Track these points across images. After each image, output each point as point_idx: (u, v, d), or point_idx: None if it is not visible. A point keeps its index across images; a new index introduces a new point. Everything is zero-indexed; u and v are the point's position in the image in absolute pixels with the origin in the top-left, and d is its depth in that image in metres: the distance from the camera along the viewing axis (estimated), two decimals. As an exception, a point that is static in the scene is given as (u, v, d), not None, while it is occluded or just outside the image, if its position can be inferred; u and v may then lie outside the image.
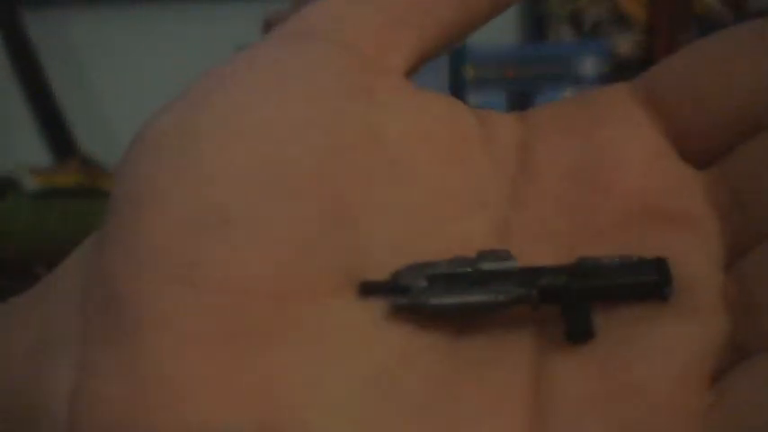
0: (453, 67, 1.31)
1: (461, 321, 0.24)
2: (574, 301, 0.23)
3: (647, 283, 0.23)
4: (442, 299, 0.23)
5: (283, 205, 0.22)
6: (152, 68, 1.30)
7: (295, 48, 0.24)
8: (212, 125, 0.22)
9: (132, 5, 1.35)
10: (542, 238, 0.25)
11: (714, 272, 0.24)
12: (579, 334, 0.23)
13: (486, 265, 0.23)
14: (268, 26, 1.03)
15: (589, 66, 1.34)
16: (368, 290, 0.23)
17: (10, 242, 1.20)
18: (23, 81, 1.32)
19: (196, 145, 0.21)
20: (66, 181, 1.28)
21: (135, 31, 1.35)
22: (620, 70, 1.34)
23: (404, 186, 0.24)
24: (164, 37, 1.33)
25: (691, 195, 0.25)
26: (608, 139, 0.26)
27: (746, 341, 0.23)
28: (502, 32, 1.41)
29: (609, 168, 0.25)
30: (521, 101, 1.33)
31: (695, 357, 0.23)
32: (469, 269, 0.23)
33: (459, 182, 0.25)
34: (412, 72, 0.26)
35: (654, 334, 0.23)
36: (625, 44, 1.39)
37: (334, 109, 0.23)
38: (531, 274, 0.23)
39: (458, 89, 1.32)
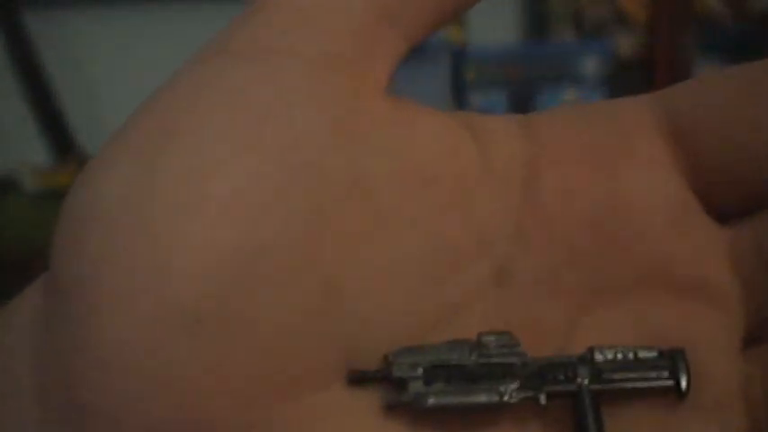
0: (454, 67, 1.29)
1: (461, 419, 0.21)
2: (585, 409, 0.21)
3: (663, 386, 0.21)
4: (440, 399, 0.21)
5: (260, 297, 0.19)
6: (152, 68, 1.27)
7: (261, 70, 0.20)
8: (169, 202, 0.19)
9: (132, 5, 1.32)
10: (548, 291, 0.22)
11: (735, 358, 0.22)
12: None
13: (488, 355, 0.21)
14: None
15: (590, 66, 1.31)
16: (358, 380, 0.21)
17: (10, 242, 1.18)
18: (23, 81, 1.30)
19: (152, 229, 0.19)
20: (66, 181, 1.26)
21: (135, 31, 1.32)
22: (621, 70, 1.32)
23: (395, 242, 0.21)
24: (164, 37, 1.30)
25: (713, 259, 0.22)
26: (631, 184, 0.22)
27: None
28: (503, 32, 1.38)
29: (630, 221, 0.22)
30: (522, 101, 1.31)
31: None
32: (469, 362, 0.21)
33: (457, 226, 0.22)
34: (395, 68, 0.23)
35: None
36: (626, 44, 1.37)
37: (316, 159, 0.20)
38: (538, 372, 0.21)
39: (459, 90, 1.30)
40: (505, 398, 0.21)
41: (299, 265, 0.20)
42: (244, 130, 0.20)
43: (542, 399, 0.21)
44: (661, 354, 0.21)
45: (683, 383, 0.21)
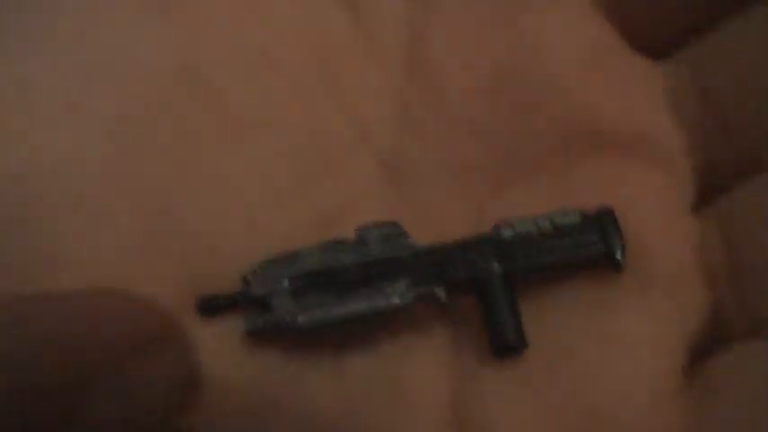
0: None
1: (345, 336, 0.16)
2: (496, 297, 0.16)
3: (592, 255, 0.16)
4: (313, 314, 0.16)
5: (61, 226, 0.15)
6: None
7: None
8: None
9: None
10: (447, 180, 0.18)
11: (685, 221, 0.17)
12: (506, 346, 0.16)
13: (370, 253, 0.16)
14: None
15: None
16: (209, 308, 0.16)
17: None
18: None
19: None
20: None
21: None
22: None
23: (251, 142, 0.17)
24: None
25: (648, 106, 0.18)
26: (537, 29, 0.18)
27: (729, 319, 0.17)
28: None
29: (540, 74, 0.18)
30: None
31: (663, 365, 0.16)
32: (346, 263, 0.16)
33: (331, 114, 0.17)
34: None
35: (605, 331, 0.16)
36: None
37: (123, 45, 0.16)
38: (432, 263, 0.16)
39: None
40: (394, 299, 0.16)
41: (112, 183, 0.15)
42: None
43: (441, 294, 0.16)
44: (585, 218, 0.17)
45: (617, 250, 0.16)
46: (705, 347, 0.17)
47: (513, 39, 0.18)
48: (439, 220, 0.17)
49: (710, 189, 0.18)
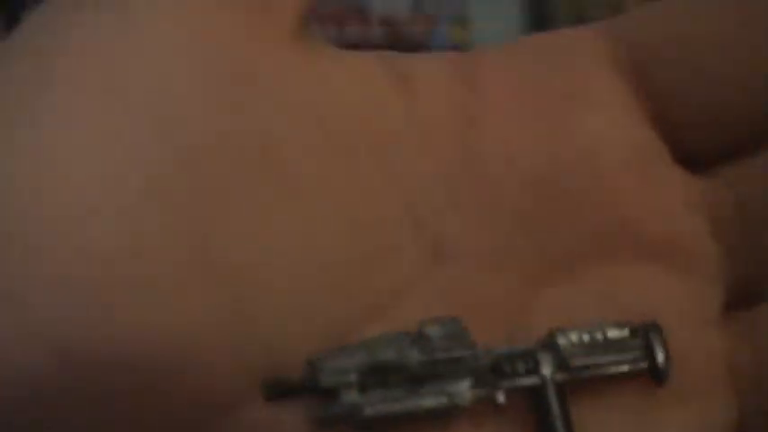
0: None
1: (406, 429, 0.17)
2: (551, 404, 0.17)
3: (639, 369, 0.18)
4: (379, 407, 0.17)
5: (140, 315, 0.15)
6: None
7: (115, 16, 0.16)
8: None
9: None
10: (494, 267, 0.18)
11: (714, 331, 0.18)
12: None
13: (433, 350, 0.17)
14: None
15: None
16: (277, 393, 0.17)
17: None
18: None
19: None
20: None
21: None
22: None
23: (309, 220, 0.17)
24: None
25: (685, 215, 0.19)
26: (584, 131, 0.18)
27: (748, 425, 0.18)
28: (506, 34, 1.35)
29: (585, 175, 0.18)
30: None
31: None
32: (411, 360, 0.17)
33: (382, 195, 0.17)
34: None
35: None
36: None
37: (189, 120, 0.16)
38: (492, 366, 0.17)
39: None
40: (457, 400, 0.17)
41: (185, 267, 0.15)
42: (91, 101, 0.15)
43: (500, 397, 0.17)
44: (633, 331, 0.18)
45: (662, 365, 0.17)
46: None
47: (561, 134, 0.18)
48: (484, 306, 0.18)
49: (739, 302, 0.19)
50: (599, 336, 0.18)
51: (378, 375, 0.17)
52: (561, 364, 0.17)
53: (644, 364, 0.17)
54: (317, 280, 0.17)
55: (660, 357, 0.17)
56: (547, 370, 0.17)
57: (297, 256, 0.16)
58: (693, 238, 0.19)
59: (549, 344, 0.18)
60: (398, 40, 0.77)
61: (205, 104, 0.16)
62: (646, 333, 0.18)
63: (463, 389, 0.17)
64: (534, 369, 0.17)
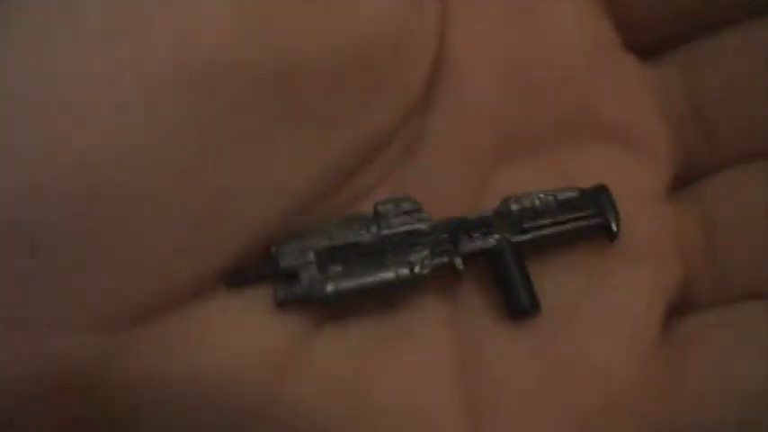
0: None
1: (370, 303, 0.17)
2: (508, 264, 0.17)
3: (591, 226, 0.18)
4: (340, 283, 0.17)
5: (120, 214, 0.15)
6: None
7: None
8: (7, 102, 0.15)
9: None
10: (459, 155, 0.18)
11: (663, 203, 0.19)
12: (522, 310, 0.17)
13: (389, 226, 0.17)
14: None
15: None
16: (238, 281, 0.17)
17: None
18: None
19: None
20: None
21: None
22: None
23: (314, 141, 0.17)
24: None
25: (639, 101, 0.19)
26: (548, 22, 0.19)
27: (699, 290, 0.19)
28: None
29: (548, 64, 0.19)
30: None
31: (649, 326, 0.18)
32: (368, 236, 0.17)
33: (378, 113, 0.17)
34: None
35: (601, 297, 0.18)
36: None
37: (215, 53, 0.16)
38: (449, 234, 0.17)
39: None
40: (416, 269, 0.17)
41: (179, 177, 0.15)
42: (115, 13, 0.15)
43: (458, 262, 0.17)
44: (582, 193, 0.18)
45: (612, 219, 0.18)
46: (674, 311, 0.19)
47: (527, 28, 0.19)
48: (444, 190, 0.18)
49: (687, 178, 0.19)
50: (550, 198, 0.18)
51: (337, 255, 0.17)
52: (515, 226, 0.17)
53: (596, 220, 0.18)
54: (302, 189, 0.17)
55: (610, 213, 0.18)
56: (501, 232, 0.17)
57: (286, 173, 0.16)
58: (644, 121, 0.19)
59: (503, 210, 0.18)
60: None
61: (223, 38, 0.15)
62: (595, 194, 0.18)
63: (422, 258, 0.17)
64: (490, 233, 0.17)
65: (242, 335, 0.16)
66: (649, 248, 0.18)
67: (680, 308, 0.19)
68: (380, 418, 0.17)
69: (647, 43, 0.20)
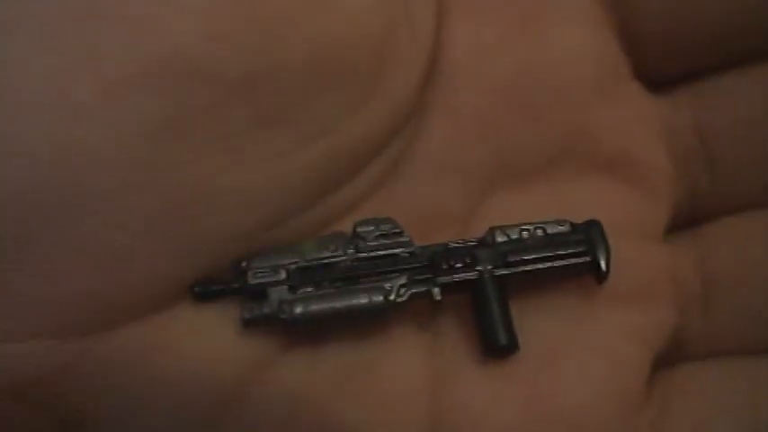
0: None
1: (340, 328, 0.16)
2: (488, 298, 0.16)
3: (579, 265, 0.17)
4: (310, 305, 0.16)
5: (72, 217, 0.14)
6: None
7: None
8: None
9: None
10: (450, 171, 0.17)
11: (659, 243, 0.18)
12: (498, 347, 0.16)
13: (367, 248, 0.16)
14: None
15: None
16: (206, 294, 0.16)
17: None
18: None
19: None
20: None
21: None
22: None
23: (283, 145, 0.16)
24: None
25: (643, 133, 0.18)
26: (553, 41, 0.18)
27: (689, 340, 0.18)
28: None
29: (550, 84, 0.18)
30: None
31: (633, 374, 0.17)
32: (344, 258, 0.16)
33: (362, 121, 0.16)
34: None
35: (585, 340, 0.17)
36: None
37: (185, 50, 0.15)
38: (429, 262, 0.16)
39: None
40: (392, 296, 0.16)
41: (140, 178, 0.14)
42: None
43: (436, 293, 0.16)
44: (573, 228, 0.17)
45: (602, 259, 0.17)
46: (663, 360, 0.18)
47: (533, 45, 0.18)
48: (432, 210, 0.17)
49: (687, 220, 0.19)
50: (539, 232, 0.17)
51: (309, 275, 0.16)
52: (499, 259, 0.16)
53: (585, 259, 0.17)
54: (276, 199, 0.16)
55: (600, 252, 0.17)
56: (484, 265, 0.16)
57: (256, 177, 0.15)
58: (647, 154, 0.18)
59: (488, 240, 0.17)
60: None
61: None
62: (587, 229, 0.17)
63: (398, 285, 0.16)
64: (472, 264, 0.16)
65: (205, 350, 0.16)
66: (641, 292, 0.17)
67: (671, 356, 0.18)
68: None
69: (657, 74, 0.19)
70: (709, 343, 0.18)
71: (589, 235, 0.17)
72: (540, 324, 0.17)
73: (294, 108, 0.15)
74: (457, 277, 0.16)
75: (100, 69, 0.14)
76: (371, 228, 0.16)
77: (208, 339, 0.16)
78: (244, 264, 0.16)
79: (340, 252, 0.16)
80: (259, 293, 0.16)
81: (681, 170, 0.18)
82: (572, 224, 0.17)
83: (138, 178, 0.14)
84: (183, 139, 0.14)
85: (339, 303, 0.16)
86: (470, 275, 0.16)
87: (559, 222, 0.17)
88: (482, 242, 0.17)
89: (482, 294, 0.16)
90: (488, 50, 0.18)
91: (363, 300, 0.16)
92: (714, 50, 0.18)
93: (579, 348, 0.17)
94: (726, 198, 0.18)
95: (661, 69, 0.19)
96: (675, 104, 0.19)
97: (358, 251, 0.16)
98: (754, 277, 0.17)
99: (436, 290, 0.16)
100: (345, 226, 0.17)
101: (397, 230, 0.16)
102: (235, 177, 0.15)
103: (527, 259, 0.16)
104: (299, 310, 0.16)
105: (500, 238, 0.17)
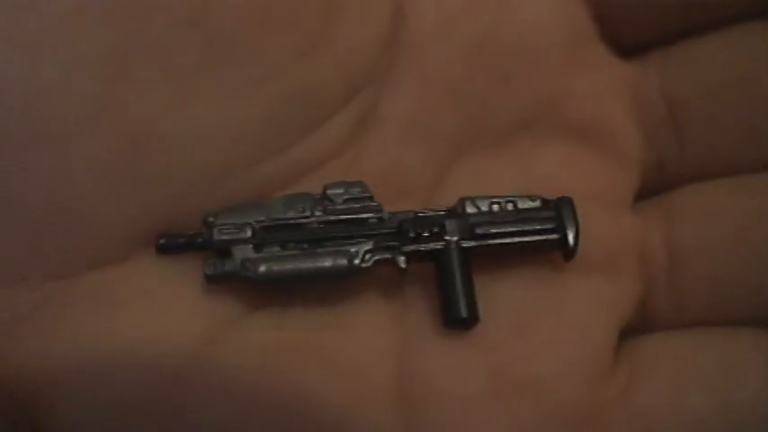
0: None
1: (302, 290, 0.16)
2: (452, 270, 0.16)
3: (548, 241, 0.17)
4: (273, 265, 0.16)
5: (31, 156, 0.14)
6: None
7: None
8: None
9: None
10: (418, 136, 0.17)
11: (628, 212, 0.18)
12: (458, 319, 0.16)
13: (335, 211, 0.16)
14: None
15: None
16: (169, 247, 0.15)
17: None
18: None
19: None
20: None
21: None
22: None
23: (242, 89, 0.15)
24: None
25: (613, 99, 0.18)
26: (519, 7, 0.18)
27: (657, 309, 0.17)
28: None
29: (519, 50, 0.17)
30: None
31: (601, 343, 0.17)
32: (311, 219, 0.16)
33: (324, 65, 0.16)
34: None
35: (552, 309, 0.17)
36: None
37: None
38: (397, 229, 0.16)
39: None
40: (356, 261, 0.16)
41: (93, 114, 0.14)
42: None
43: (402, 261, 0.16)
44: (545, 203, 0.17)
45: (571, 238, 0.16)
46: (630, 330, 0.18)
47: (500, 9, 0.18)
48: (401, 174, 0.17)
49: (655, 186, 0.18)
50: (509, 206, 0.16)
51: (275, 235, 0.16)
52: (467, 230, 0.16)
53: (554, 236, 0.16)
54: (233, 142, 0.15)
55: (570, 230, 0.16)
56: (451, 235, 0.16)
57: (216, 121, 0.15)
58: (616, 121, 0.18)
59: (458, 210, 0.16)
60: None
61: None
62: (558, 206, 0.17)
63: (364, 250, 0.16)
64: (439, 234, 0.16)
65: (168, 305, 0.15)
66: (607, 261, 0.17)
67: (639, 327, 0.18)
68: (311, 402, 0.16)
69: (626, 39, 0.18)
70: (679, 314, 0.17)
71: (559, 212, 0.17)
72: (508, 293, 0.17)
73: (241, 48, 0.15)
74: (423, 246, 0.16)
75: (57, 3, 0.14)
76: (341, 191, 0.16)
77: (172, 294, 0.15)
78: (211, 219, 0.16)
79: (308, 213, 0.16)
80: (223, 250, 0.16)
81: (649, 138, 0.18)
82: (543, 200, 0.17)
83: (90, 116, 0.14)
84: (129, 75, 0.14)
85: (303, 265, 0.16)
86: (437, 245, 0.16)
87: (531, 197, 0.17)
88: (451, 212, 0.16)
89: (447, 265, 0.16)
90: (457, 13, 0.17)
91: (327, 263, 0.16)
92: (682, 16, 0.18)
93: (547, 317, 0.17)
94: (694, 166, 0.18)
95: (630, 35, 0.18)
96: (644, 71, 0.18)
97: (326, 213, 0.16)
98: (722, 247, 0.17)
99: (401, 258, 0.16)
100: (314, 187, 0.16)
101: (367, 195, 0.16)
102: (184, 115, 0.15)
103: (495, 233, 0.16)
104: (262, 269, 0.16)
105: (470, 209, 0.16)
